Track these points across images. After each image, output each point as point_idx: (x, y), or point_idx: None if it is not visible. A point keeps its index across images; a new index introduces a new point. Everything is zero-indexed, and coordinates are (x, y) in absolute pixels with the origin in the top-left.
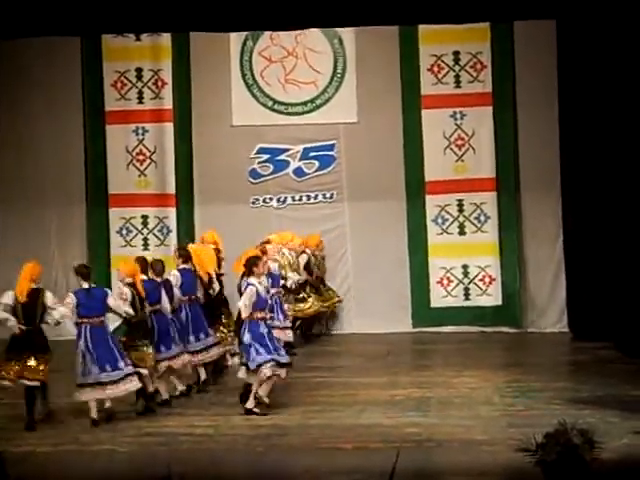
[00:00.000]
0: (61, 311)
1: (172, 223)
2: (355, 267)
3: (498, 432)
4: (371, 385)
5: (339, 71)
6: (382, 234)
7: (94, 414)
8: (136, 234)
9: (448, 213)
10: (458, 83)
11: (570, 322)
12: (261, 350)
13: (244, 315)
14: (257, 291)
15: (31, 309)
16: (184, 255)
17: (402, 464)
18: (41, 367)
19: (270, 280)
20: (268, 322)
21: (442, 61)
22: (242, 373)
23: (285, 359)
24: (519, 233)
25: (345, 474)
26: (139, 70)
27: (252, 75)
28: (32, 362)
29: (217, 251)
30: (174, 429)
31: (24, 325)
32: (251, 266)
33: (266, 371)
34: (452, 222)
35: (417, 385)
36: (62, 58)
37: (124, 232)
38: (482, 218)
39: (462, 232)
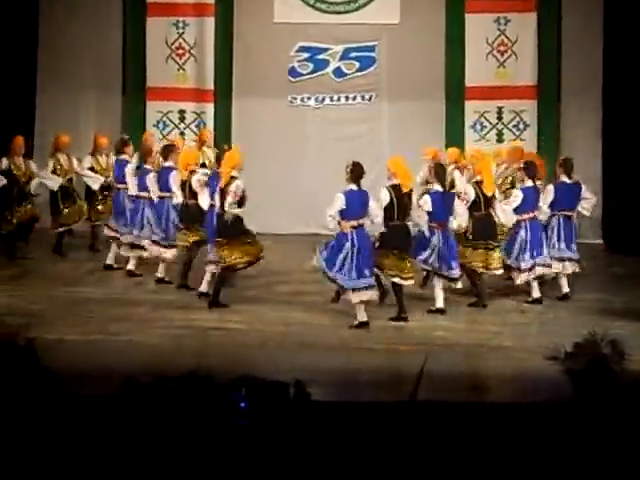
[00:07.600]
0: None
1: (209, 119)
2: None
3: (527, 339)
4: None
5: None
6: (419, 139)
7: None
8: (172, 128)
9: (487, 120)
10: None
11: (605, 235)
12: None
13: None
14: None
15: None
16: None
17: (430, 367)
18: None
19: None
20: None
21: None
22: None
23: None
24: (557, 142)
25: (374, 374)
26: None
27: None
28: None
29: None
30: (205, 323)
31: None
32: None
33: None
34: (490, 129)
35: (449, 291)
36: None
37: (160, 126)
38: (521, 126)
39: (500, 140)
